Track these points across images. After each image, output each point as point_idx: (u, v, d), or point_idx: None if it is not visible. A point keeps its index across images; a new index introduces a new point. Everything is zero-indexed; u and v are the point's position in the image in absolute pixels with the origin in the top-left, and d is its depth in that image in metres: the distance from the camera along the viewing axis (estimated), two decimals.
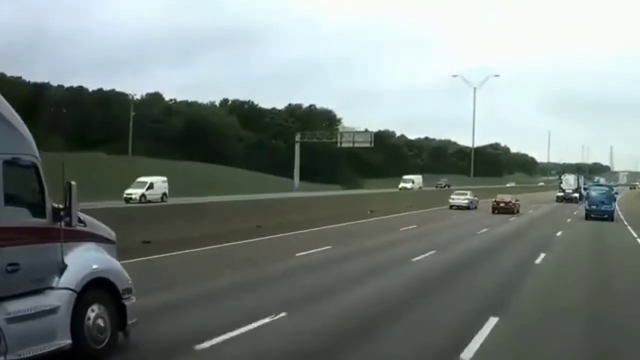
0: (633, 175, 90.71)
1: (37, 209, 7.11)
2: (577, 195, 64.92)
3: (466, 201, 49.84)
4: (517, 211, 45.14)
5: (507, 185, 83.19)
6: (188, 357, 8.04)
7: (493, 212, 43.84)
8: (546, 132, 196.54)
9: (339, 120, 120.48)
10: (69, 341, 7.16)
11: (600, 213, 40.02)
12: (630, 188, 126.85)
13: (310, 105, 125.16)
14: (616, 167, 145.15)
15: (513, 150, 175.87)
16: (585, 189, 58.86)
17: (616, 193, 51.53)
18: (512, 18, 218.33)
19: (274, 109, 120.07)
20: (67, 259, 7.46)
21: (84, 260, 7.67)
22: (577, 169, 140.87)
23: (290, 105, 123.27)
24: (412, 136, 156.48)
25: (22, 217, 6.91)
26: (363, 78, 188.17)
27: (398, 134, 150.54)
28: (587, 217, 40.17)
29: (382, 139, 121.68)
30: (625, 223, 37.17)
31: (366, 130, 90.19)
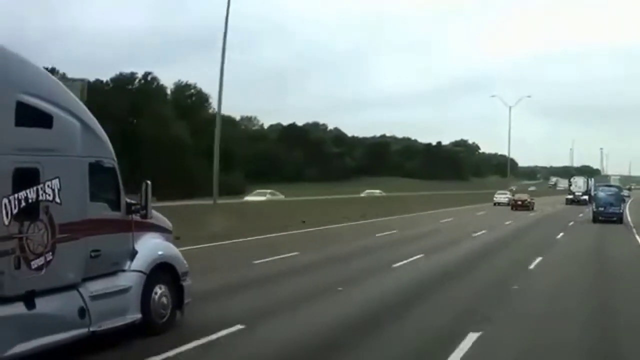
0: (625, 179, 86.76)
1: (115, 204, 8.40)
2: (586, 197, 63.25)
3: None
4: (532, 208, 53.28)
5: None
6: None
7: (512, 209, 52.93)
8: (533, 133, 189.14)
9: None
10: (139, 315, 8.48)
11: (608, 215, 37.83)
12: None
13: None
14: (607, 171, 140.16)
15: (488, 150, 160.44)
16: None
17: (628, 196, 50.20)
18: (499, 20, 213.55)
19: None
20: (137, 246, 8.76)
21: (150, 247, 8.99)
22: (582, 172, 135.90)
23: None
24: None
25: (103, 211, 8.19)
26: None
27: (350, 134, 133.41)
28: (595, 219, 37.95)
29: (295, 132, 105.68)
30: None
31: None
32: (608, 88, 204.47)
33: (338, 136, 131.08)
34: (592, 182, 69.60)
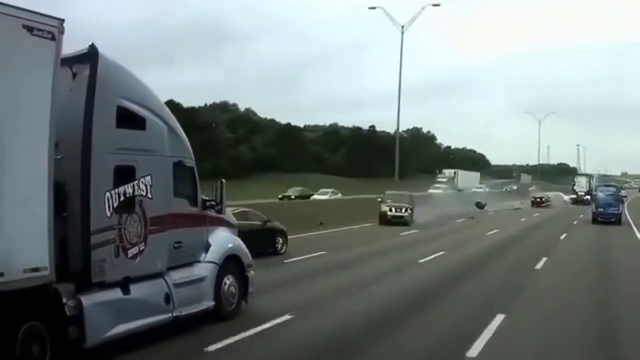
0: (603, 179, 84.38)
1: (193, 200, 9.13)
2: (588, 197, 61.16)
3: None
4: (549, 205, 58.81)
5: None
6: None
7: (532, 206, 57.13)
8: (508, 131, 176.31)
9: None
10: (212, 303, 9.20)
11: (607, 216, 36.69)
12: None
13: None
14: (584, 169, 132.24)
15: (458, 145, 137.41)
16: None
17: (625, 196, 47.31)
18: (476, 20, 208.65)
19: None
20: (210, 239, 9.48)
21: (222, 240, 9.74)
22: (559, 170, 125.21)
23: None
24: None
25: (184, 206, 8.92)
26: None
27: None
28: (594, 220, 36.76)
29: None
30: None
31: None
32: (587, 87, 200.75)
33: (243, 118, 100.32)
34: (593, 181, 68.52)
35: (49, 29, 6.63)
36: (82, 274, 7.21)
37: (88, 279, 7.23)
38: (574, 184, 71.74)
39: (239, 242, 10.24)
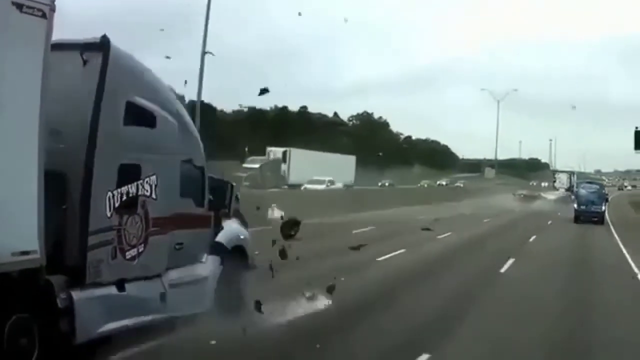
0: (580, 176, 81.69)
1: (199, 200, 8.88)
2: (569, 193, 60.92)
3: None
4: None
5: None
6: None
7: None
8: (481, 125, 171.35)
9: None
10: (212, 305, 8.98)
11: (590, 214, 35.85)
12: None
13: None
14: (556, 164, 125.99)
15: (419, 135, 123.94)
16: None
17: (606, 193, 44.98)
18: (448, 14, 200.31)
19: None
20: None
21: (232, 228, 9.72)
22: (530, 165, 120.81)
23: None
24: None
25: (189, 206, 8.67)
26: None
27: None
28: (577, 219, 36.04)
29: None
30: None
31: None
32: (562, 82, 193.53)
33: None
34: (574, 178, 68.01)
35: (39, 7, 6.31)
36: (77, 273, 7.02)
37: (82, 279, 7.05)
38: (555, 181, 71.36)
39: (247, 236, 10.08)
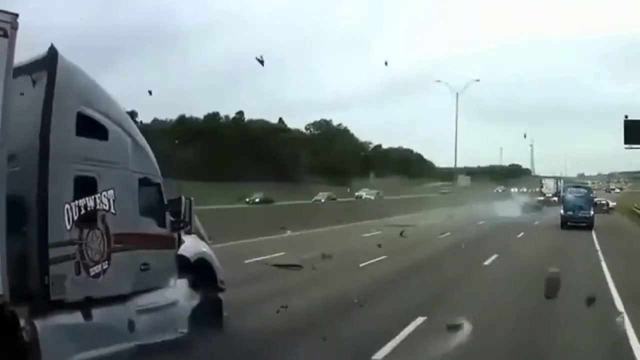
0: (563, 181, 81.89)
1: (161, 221, 8.54)
2: (556, 199, 60.04)
3: None
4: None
5: None
6: None
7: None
8: (461, 134, 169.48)
9: None
10: (186, 330, 8.51)
11: (577, 220, 34.15)
12: None
13: None
14: (537, 171, 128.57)
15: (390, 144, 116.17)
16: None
17: (595, 197, 43.43)
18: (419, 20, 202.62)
19: None
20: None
21: (193, 243, 9.39)
22: (511, 171, 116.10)
23: None
24: None
25: (151, 226, 8.34)
26: None
27: None
28: (563, 225, 34.35)
29: None
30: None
31: None
32: (542, 88, 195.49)
33: None
34: (561, 183, 67.28)
35: (0, 25, 6.18)
36: (40, 291, 6.56)
37: (46, 296, 6.60)
38: (542, 186, 71.99)
39: (211, 251, 9.70)
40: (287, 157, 65.58)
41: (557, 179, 75.59)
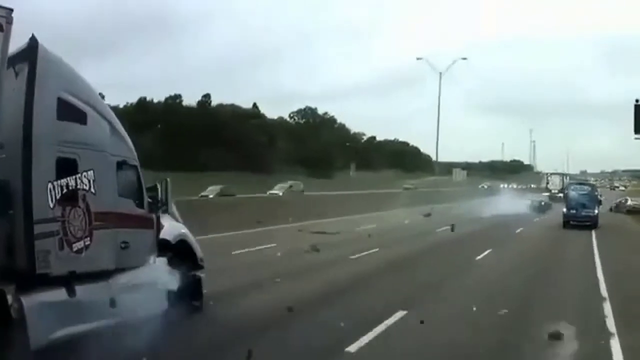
0: (569, 177, 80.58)
1: (139, 202, 8.98)
2: (561, 195, 55.60)
3: None
4: None
5: None
6: None
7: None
8: (464, 129, 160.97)
9: None
10: (166, 306, 8.95)
11: (581, 219, 32.28)
12: None
13: None
14: (538, 166, 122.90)
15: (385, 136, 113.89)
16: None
17: (600, 195, 41.19)
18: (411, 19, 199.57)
19: None
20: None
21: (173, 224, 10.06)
22: (511, 167, 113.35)
23: None
24: None
25: (130, 207, 8.76)
26: None
27: None
28: (566, 224, 32.63)
29: None
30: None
31: None
32: (545, 83, 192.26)
33: None
34: (567, 180, 64.82)
35: None
36: (26, 266, 6.96)
37: (32, 270, 7.00)
38: (548, 183, 71.51)
39: (189, 232, 10.25)
40: (258, 145, 57.93)
41: (563, 175, 74.90)
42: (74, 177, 7.64)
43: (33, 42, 7.42)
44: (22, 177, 7.06)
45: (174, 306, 9.12)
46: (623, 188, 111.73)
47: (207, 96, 77.88)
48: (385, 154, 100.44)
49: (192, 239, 10.17)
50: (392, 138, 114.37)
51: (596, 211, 33.36)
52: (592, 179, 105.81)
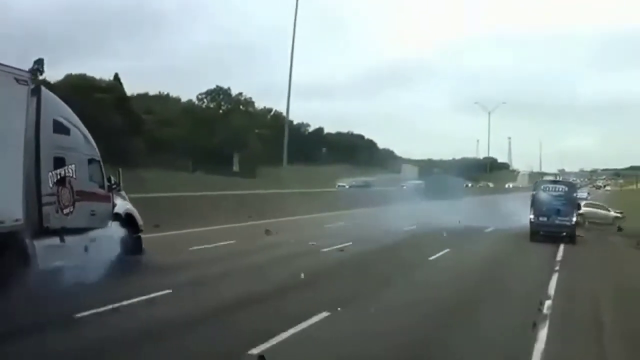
0: (535, 176, 76.52)
1: (101, 185, 13.76)
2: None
3: None
4: None
5: None
6: None
7: None
8: (442, 125, 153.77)
9: None
10: (120, 252, 13.74)
11: (554, 229, 25.30)
12: None
13: None
14: (514, 164, 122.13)
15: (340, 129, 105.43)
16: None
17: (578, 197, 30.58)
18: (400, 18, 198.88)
19: None
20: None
21: (122, 203, 14.61)
22: (486, 165, 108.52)
23: None
24: None
25: (96, 188, 13.55)
26: None
27: None
28: (533, 235, 25.48)
29: None
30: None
31: None
32: (524, 82, 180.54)
33: None
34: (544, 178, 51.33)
35: (25, 79, 11.32)
36: (37, 222, 11.67)
37: (40, 224, 11.72)
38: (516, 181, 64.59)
39: (133, 207, 15.10)
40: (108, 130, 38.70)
41: (556, 175, 68.96)
42: (63, 168, 12.40)
43: (38, 87, 12.11)
44: (35, 169, 11.77)
45: (124, 251, 13.96)
46: (609, 188, 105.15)
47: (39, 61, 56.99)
48: (335, 146, 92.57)
49: (135, 212, 15.02)
50: (344, 130, 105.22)
51: (574, 219, 25.98)
52: (573, 178, 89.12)
